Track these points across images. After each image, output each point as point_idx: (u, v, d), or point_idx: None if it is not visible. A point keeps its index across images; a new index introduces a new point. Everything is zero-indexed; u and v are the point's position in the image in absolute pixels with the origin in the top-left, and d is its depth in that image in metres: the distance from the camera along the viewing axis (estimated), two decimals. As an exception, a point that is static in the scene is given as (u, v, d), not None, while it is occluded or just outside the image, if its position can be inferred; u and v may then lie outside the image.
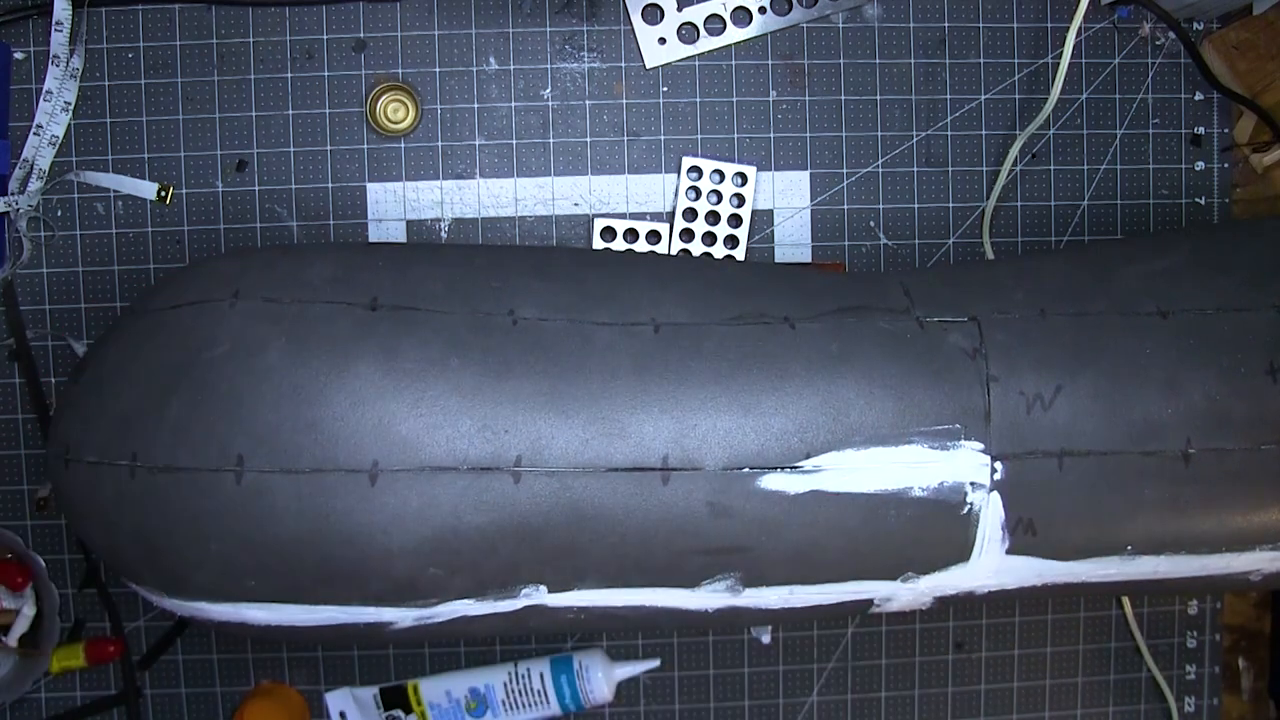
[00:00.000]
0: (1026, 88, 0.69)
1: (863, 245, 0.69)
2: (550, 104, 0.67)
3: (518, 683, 0.66)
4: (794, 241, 0.69)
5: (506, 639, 0.69)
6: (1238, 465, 0.49)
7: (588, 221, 0.68)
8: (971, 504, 0.48)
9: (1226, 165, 0.71)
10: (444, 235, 0.67)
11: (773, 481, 0.47)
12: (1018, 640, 0.71)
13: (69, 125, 0.65)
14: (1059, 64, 0.63)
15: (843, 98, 0.68)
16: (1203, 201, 0.71)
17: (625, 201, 0.68)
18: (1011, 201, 0.70)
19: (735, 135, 0.68)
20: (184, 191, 0.66)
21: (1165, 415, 0.49)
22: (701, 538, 0.47)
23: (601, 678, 0.66)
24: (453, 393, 0.45)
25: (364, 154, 0.66)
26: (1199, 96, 0.70)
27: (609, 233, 0.68)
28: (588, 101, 0.67)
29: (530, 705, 0.66)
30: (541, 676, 0.66)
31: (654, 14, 0.67)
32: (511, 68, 0.67)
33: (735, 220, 0.68)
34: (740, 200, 0.68)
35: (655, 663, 0.68)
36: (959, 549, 0.49)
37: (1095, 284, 0.52)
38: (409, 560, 0.45)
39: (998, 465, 0.48)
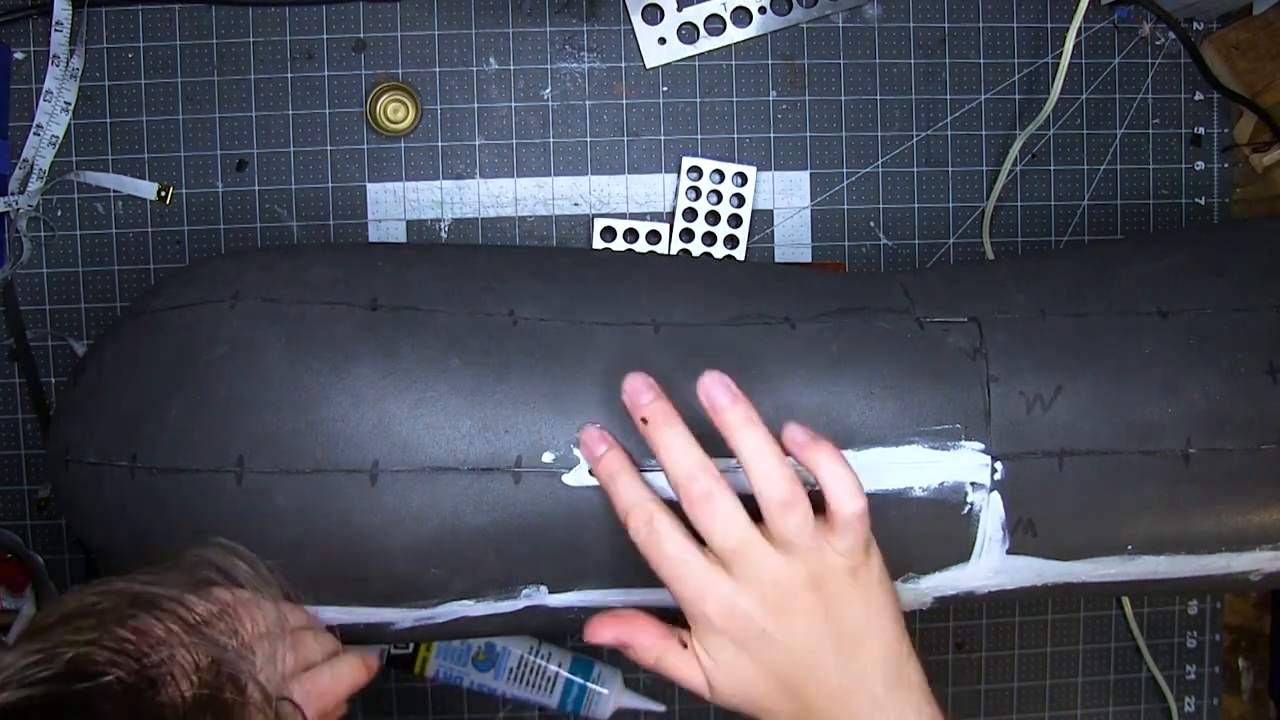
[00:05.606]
0: (1026, 88, 0.69)
1: (863, 245, 0.69)
2: (550, 104, 0.67)
3: (536, 657, 0.66)
4: (794, 241, 0.69)
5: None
6: (1238, 465, 0.49)
7: (588, 221, 0.68)
8: (972, 504, 0.48)
9: (1226, 165, 0.71)
10: (444, 235, 0.67)
11: (773, 482, 0.47)
12: (1018, 640, 0.71)
13: (69, 125, 0.65)
14: (1059, 64, 0.63)
15: (842, 98, 0.68)
16: (1203, 201, 0.71)
17: (625, 201, 0.68)
18: (1011, 201, 0.70)
19: (735, 135, 0.68)
20: (184, 191, 0.66)
21: (1165, 415, 0.49)
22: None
23: (608, 696, 0.66)
24: (453, 393, 0.45)
25: (364, 154, 0.66)
26: (1199, 96, 0.70)
27: (609, 233, 0.68)
28: (588, 101, 0.67)
29: (534, 686, 0.66)
30: (560, 665, 0.66)
31: (654, 14, 0.67)
32: (511, 68, 0.67)
33: (735, 220, 0.68)
34: (740, 200, 0.68)
35: (661, 708, 0.68)
36: (959, 549, 0.49)
37: (1095, 284, 0.52)
38: (409, 561, 0.45)
39: (998, 465, 0.48)
